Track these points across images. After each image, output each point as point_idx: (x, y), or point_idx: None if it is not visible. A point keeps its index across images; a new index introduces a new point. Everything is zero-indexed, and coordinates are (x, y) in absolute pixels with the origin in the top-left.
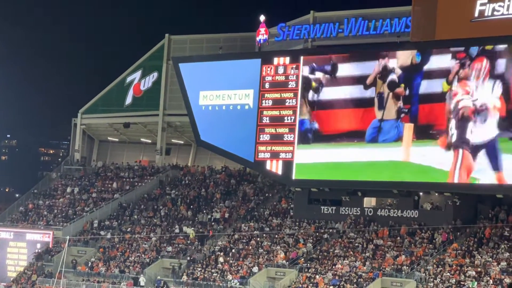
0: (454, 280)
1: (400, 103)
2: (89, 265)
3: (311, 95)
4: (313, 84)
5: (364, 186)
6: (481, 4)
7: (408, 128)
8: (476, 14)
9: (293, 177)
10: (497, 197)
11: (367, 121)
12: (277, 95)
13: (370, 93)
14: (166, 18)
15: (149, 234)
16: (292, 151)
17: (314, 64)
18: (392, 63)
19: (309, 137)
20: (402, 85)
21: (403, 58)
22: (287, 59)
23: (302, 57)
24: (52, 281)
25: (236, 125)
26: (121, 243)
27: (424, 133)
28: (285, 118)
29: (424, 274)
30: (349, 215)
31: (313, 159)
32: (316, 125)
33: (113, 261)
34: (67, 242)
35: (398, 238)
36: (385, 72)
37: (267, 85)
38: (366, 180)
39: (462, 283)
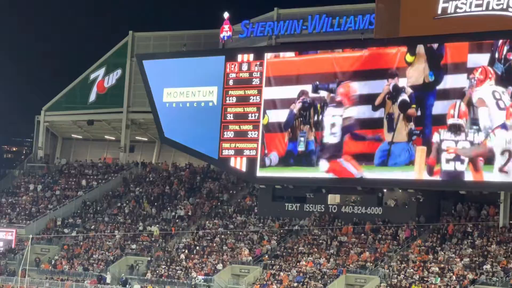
0: (417, 276)
1: (412, 125)
2: (53, 263)
3: (314, 115)
4: (318, 106)
5: (327, 183)
6: (444, 2)
7: (420, 151)
8: (439, 12)
9: (257, 174)
10: (459, 194)
11: (376, 143)
12: (241, 92)
13: (379, 114)
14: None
15: (113, 231)
16: (256, 148)
17: (317, 82)
18: (403, 81)
19: (313, 159)
20: (414, 105)
21: (415, 77)
22: (251, 56)
23: (265, 54)
24: (15, 280)
25: (200, 122)
26: (85, 241)
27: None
28: (249, 115)
29: (388, 271)
30: (313, 212)
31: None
32: (319, 146)
33: (77, 259)
34: (30, 240)
35: (362, 234)
36: (395, 91)
37: (231, 82)
38: (330, 177)
39: (425, 279)
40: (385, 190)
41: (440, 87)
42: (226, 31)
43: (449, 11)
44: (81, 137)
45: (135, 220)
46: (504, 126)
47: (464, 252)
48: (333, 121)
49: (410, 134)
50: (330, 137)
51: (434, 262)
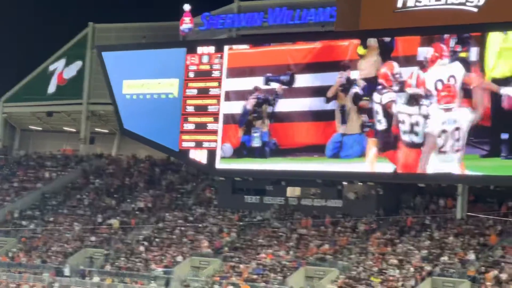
0: (376, 268)
1: (364, 117)
2: (10, 255)
3: (267, 107)
4: (271, 98)
5: (287, 176)
6: None
7: (371, 143)
8: (400, 5)
9: (217, 166)
10: (419, 186)
11: (328, 135)
12: (201, 84)
13: (332, 106)
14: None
15: (72, 224)
16: (216, 140)
17: (269, 74)
18: (355, 74)
19: (266, 151)
20: (366, 97)
21: (367, 69)
22: (212, 49)
23: (225, 46)
24: None
25: (160, 114)
26: (44, 233)
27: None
28: (209, 107)
29: (347, 263)
30: (273, 204)
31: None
32: (274, 139)
33: (35, 251)
34: None
35: (322, 227)
36: (348, 84)
37: (191, 74)
38: (288, 170)
39: (384, 271)
40: (345, 183)
41: None
42: (186, 23)
43: (408, 5)
44: (40, 128)
45: (94, 212)
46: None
47: (422, 244)
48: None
49: (362, 126)
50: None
51: (392, 254)
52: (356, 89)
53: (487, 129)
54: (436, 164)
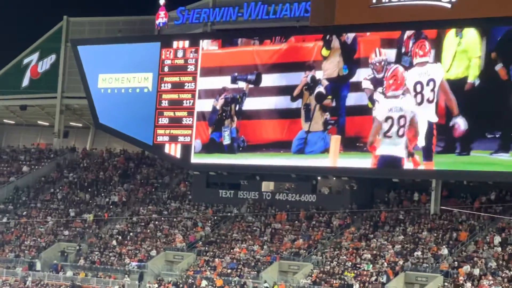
0: (350, 263)
1: (327, 115)
2: None
3: (235, 106)
4: (238, 97)
5: (261, 170)
6: None
7: (335, 140)
8: (374, 0)
9: (191, 161)
10: (392, 181)
11: (294, 132)
12: (176, 79)
13: (297, 104)
14: None
15: (45, 218)
16: (190, 134)
17: (236, 73)
18: (319, 74)
19: (234, 147)
20: (330, 96)
21: (330, 69)
22: (186, 43)
23: (200, 41)
24: None
25: (135, 108)
26: (17, 227)
27: (352, 145)
28: (184, 101)
29: (321, 258)
30: (247, 199)
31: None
32: (242, 136)
33: (8, 245)
34: None
35: (296, 222)
36: (312, 83)
37: (166, 69)
38: (264, 164)
39: (358, 265)
40: (319, 178)
41: (353, 80)
42: (161, 18)
43: (384, 0)
44: (13, 122)
45: (68, 206)
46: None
47: (396, 239)
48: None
49: (325, 124)
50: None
51: (366, 249)
52: (320, 89)
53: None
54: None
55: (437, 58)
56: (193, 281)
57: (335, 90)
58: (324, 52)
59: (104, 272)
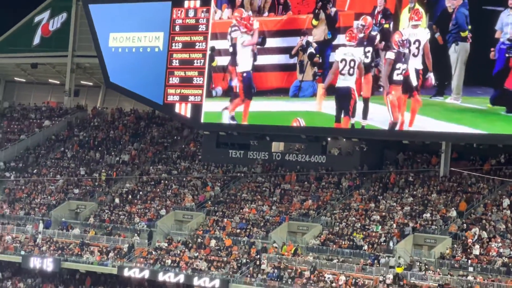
0: (359, 224)
1: (316, 69)
2: None
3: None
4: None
5: (271, 131)
6: None
7: (320, 87)
8: None
9: (202, 121)
10: (402, 143)
11: (291, 81)
12: (187, 38)
13: (293, 61)
14: None
15: (55, 176)
16: (201, 94)
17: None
18: (311, 38)
19: (252, 92)
20: (318, 55)
21: (318, 35)
22: (198, 3)
23: (212, 1)
24: None
25: (145, 67)
26: (27, 185)
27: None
28: (195, 61)
29: (330, 219)
30: (257, 159)
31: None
32: (253, 84)
33: (18, 203)
34: None
35: (306, 183)
36: (306, 45)
37: (177, 28)
38: (273, 125)
39: (366, 227)
40: (329, 139)
41: (334, 42)
42: None
43: None
44: (24, 80)
45: (78, 164)
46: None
47: (405, 201)
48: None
49: (314, 75)
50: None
51: (375, 210)
52: (311, 49)
53: None
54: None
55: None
56: (202, 240)
57: (322, 50)
58: (314, 22)
59: (114, 230)
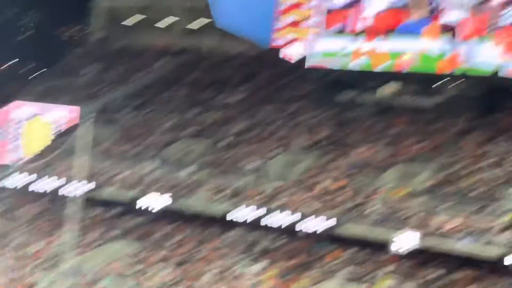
0: (472, 168)
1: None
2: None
3: None
4: None
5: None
6: None
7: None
8: None
9: (312, 63)
10: None
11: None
12: None
13: None
14: None
15: (168, 115)
16: (312, 36)
17: None
18: None
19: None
20: None
21: None
22: None
23: None
24: None
25: (255, 9)
26: (140, 124)
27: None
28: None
29: (443, 161)
30: (368, 101)
31: None
32: None
33: (131, 142)
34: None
35: (418, 125)
36: None
37: None
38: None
39: (480, 170)
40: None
41: None
42: None
43: None
44: (137, 21)
45: (189, 105)
46: None
47: None
48: None
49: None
50: None
51: (489, 154)
52: None
53: None
54: None
55: None
56: (313, 182)
57: None
58: None
59: (224, 171)
